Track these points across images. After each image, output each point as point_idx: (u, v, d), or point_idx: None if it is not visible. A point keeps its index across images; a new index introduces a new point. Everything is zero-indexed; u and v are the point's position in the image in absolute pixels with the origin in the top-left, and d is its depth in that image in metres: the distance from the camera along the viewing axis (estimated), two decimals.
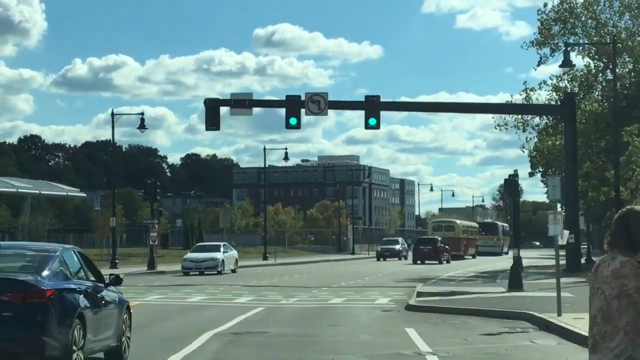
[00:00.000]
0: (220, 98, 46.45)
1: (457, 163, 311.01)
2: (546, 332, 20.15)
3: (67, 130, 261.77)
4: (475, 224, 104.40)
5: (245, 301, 30.15)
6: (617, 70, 52.93)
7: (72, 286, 13.30)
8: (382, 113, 44.72)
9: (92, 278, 14.51)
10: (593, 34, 53.95)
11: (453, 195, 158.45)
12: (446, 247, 74.61)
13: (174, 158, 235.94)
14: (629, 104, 50.75)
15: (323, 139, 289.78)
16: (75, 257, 14.29)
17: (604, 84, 54.05)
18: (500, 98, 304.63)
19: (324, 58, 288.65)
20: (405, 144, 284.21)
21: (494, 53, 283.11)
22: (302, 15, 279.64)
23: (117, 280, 15.26)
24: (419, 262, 70.43)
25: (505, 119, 55.57)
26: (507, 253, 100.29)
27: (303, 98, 44.33)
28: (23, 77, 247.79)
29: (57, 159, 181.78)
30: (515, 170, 51.39)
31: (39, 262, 13.22)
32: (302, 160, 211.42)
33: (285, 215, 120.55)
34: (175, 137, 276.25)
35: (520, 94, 54.89)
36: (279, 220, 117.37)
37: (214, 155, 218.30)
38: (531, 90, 54.30)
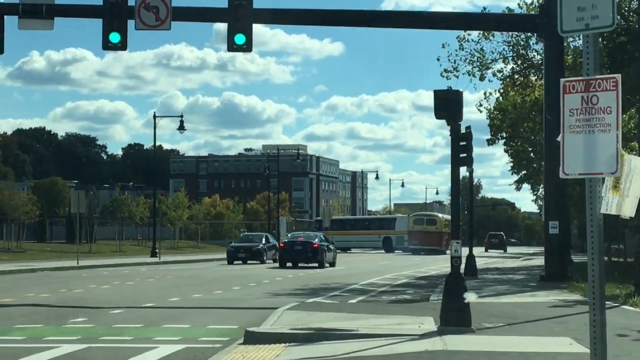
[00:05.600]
0: None
1: (416, 161, 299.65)
2: None
3: (24, 124, 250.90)
4: None
5: None
6: None
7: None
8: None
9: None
10: None
11: (403, 185, 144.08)
12: (510, 239, 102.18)
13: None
14: (632, 38, 34.09)
15: (283, 134, 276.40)
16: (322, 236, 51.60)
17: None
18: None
19: (285, 54, 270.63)
20: (366, 141, 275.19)
21: None
22: None
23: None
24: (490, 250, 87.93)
25: (456, 62, 39.70)
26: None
27: (132, 3, 28.07)
28: None
29: None
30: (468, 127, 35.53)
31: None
32: (245, 150, 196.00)
33: (222, 207, 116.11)
34: (134, 132, 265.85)
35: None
36: (217, 214, 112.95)
37: (160, 147, 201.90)
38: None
